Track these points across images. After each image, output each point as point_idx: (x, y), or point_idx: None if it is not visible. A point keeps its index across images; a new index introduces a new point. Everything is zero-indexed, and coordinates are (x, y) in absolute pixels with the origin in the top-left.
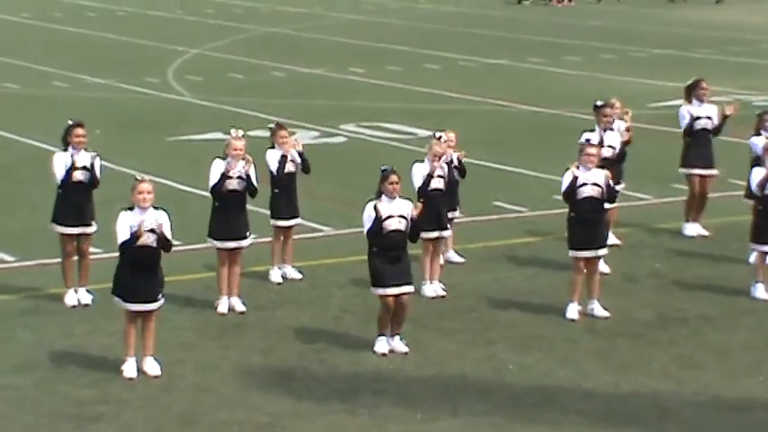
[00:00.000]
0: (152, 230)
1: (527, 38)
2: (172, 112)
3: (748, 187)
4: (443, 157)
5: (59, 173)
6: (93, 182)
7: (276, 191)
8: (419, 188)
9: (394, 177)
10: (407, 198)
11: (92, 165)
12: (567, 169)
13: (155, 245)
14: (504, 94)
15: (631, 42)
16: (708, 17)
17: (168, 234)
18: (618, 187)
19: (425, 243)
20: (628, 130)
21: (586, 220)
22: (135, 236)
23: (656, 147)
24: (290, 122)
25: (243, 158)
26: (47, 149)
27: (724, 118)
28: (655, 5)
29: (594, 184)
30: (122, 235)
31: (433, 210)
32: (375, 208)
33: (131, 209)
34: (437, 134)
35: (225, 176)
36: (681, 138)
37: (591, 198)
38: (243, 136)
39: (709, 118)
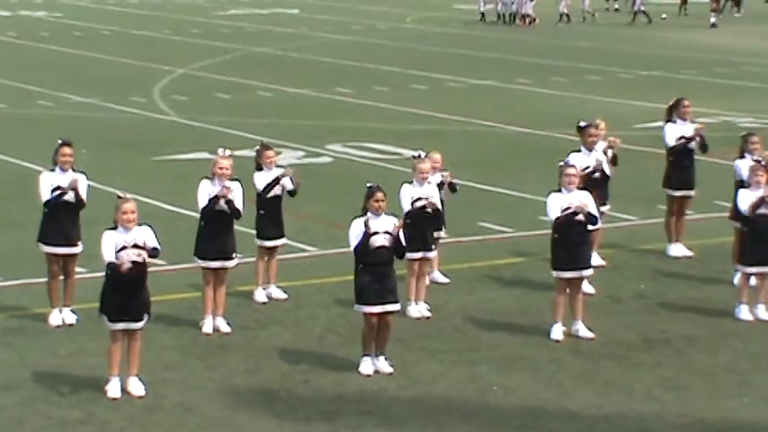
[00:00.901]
0: (135, 245)
1: (514, 59)
2: (158, 131)
3: (734, 209)
4: (428, 178)
5: (45, 193)
6: (78, 202)
7: (262, 212)
8: (407, 212)
9: (380, 195)
10: (393, 214)
11: (74, 186)
12: (551, 193)
13: (140, 260)
14: (490, 115)
15: (618, 64)
16: (694, 39)
17: (154, 243)
18: (603, 208)
19: (410, 264)
20: (610, 148)
21: (570, 242)
22: (118, 266)
23: (642, 168)
24: (276, 142)
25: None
26: (32, 168)
27: (700, 137)
28: (641, 28)
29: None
30: (108, 255)
31: (419, 231)
32: (365, 224)
33: (115, 228)
34: (418, 153)
35: (213, 198)
36: (665, 158)
37: (576, 222)
38: (230, 155)
39: (692, 138)
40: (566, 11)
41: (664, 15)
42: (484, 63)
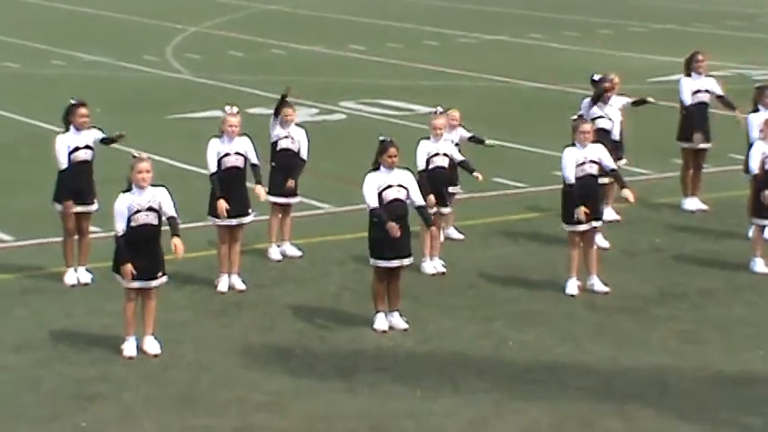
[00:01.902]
0: (150, 208)
1: (526, 13)
2: (171, 90)
3: (746, 163)
4: (446, 135)
5: (63, 156)
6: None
7: (273, 164)
8: (420, 170)
9: (392, 150)
10: (406, 168)
11: (95, 142)
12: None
13: (155, 222)
14: (503, 70)
15: (630, 17)
16: None
17: (172, 211)
18: (620, 163)
19: None
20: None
21: (582, 195)
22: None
23: (656, 121)
24: (289, 99)
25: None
26: (46, 128)
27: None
28: None
29: (592, 162)
30: (120, 225)
31: (435, 187)
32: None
33: (129, 190)
34: (435, 110)
35: (222, 156)
36: (679, 112)
37: (589, 175)
38: (237, 113)
39: (707, 91)
40: None
41: None
42: (496, 18)
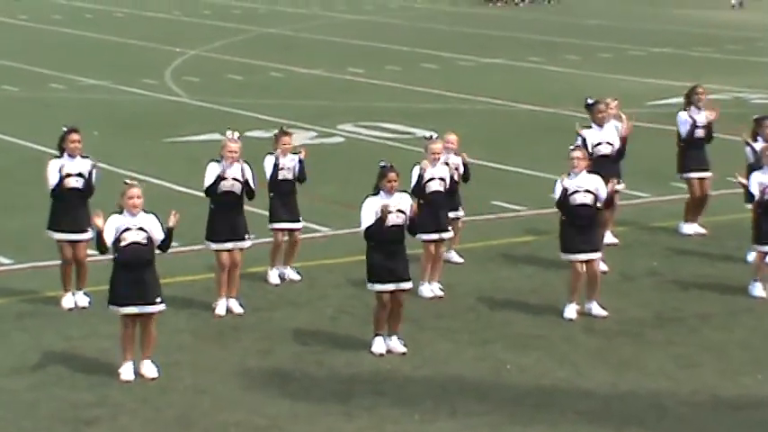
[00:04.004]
0: (141, 228)
1: (525, 36)
2: (169, 113)
3: (747, 191)
4: (442, 159)
5: (53, 179)
6: (88, 189)
7: (271, 195)
8: (417, 190)
9: (392, 175)
10: (404, 191)
11: (89, 172)
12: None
13: (144, 242)
14: (501, 94)
15: (629, 41)
16: (705, 15)
17: (160, 234)
18: (617, 187)
19: (426, 245)
20: (621, 120)
21: (579, 226)
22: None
23: (654, 145)
24: (287, 123)
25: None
26: (44, 152)
27: (709, 123)
28: (652, 4)
29: (587, 191)
30: (108, 237)
31: (433, 212)
32: (382, 210)
33: (121, 212)
34: (430, 134)
35: (220, 178)
36: (677, 144)
37: (583, 205)
38: (238, 138)
39: (704, 127)
40: None
41: None
42: (494, 41)
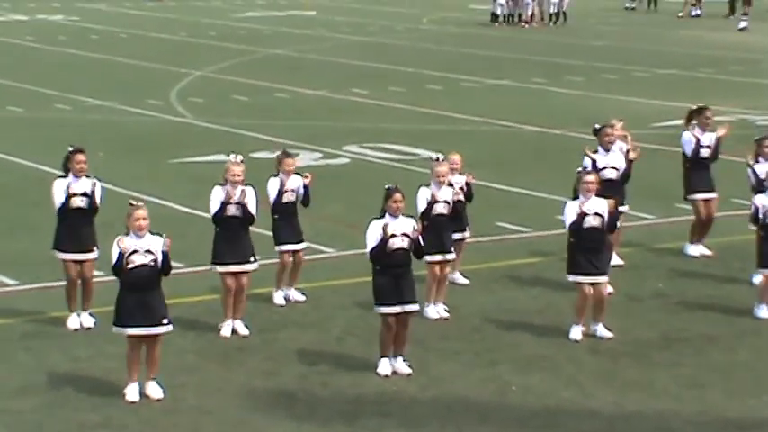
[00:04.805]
0: (148, 251)
1: (529, 58)
2: (174, 134)
3: (753, 214)
4: (447, 180)
5: (58, 199)
6: (92, 208)
7: (276, 217)
8: (422, 212)
9: (398, 196)
10: (410, 216)
11: (92, 191)
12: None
13: (152, 264)
14: (506, 115)
15: (634, 62)
16: (710, 37)
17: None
18: (622, 209)
19: (430, 267)
20: (630, 152)
21: (587, 248)
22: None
23: (659, 166)
24: (293, 144)
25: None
26: (49, 172)
27: (717, 141)
28: (657, 26)
29: (596, 214)
30: (114, 257)
31: (437, 234)
32: (384, 229)
33: (127, 234)
34: (436, 156)
35: (225, 204)
36: (682, 165)
37: (593, 228)
38: (242, 161)
39: (709, 147)
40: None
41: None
42: (500, 63)
